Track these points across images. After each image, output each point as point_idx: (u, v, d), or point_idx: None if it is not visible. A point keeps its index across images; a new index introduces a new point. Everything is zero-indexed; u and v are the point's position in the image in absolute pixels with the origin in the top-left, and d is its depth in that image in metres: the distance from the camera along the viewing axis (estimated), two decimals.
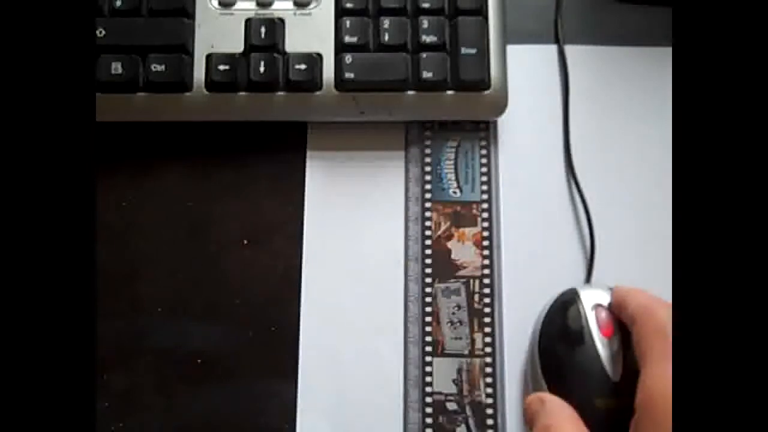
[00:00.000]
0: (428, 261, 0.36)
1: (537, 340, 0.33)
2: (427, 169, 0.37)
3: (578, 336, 0.32)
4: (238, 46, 0.36)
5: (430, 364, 0.35)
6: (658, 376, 0.27)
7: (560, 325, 0.33)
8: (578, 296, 0.33)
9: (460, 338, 0.35)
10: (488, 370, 0.35)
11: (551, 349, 0.33)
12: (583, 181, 0.37)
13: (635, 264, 0.36)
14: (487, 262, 0.36)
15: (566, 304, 0.33)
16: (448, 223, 0.36)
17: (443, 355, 0.35)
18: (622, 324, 0.32)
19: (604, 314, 0.32)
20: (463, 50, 0.36)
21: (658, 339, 0.28)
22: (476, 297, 0.35)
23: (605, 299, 0.33)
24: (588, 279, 0.36)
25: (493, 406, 0.34)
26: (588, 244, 0.36)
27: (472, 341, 0.35)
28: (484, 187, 0.37)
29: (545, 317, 0.34)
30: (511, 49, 0.37)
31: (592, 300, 0.33)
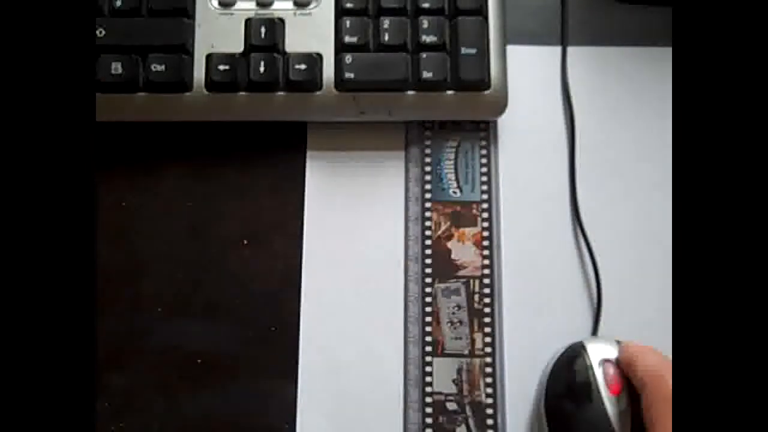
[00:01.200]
0: (428, 261, 0.36)
1: (543, 396, 0.33)
2: (427, 169, 0.37)
3: (585, 393, 0.31)
4: (238, 46, 0.36)
5: (430, 364, 0.35)
6: None
7: (567, 382, 0.32)
8: (585, 350, 0.32)
9: (460, 338, 0.35)
10: (488, 370, 0.35)
11: (558, 407, 0.32)
12: (583, 181, 0.37)
13: (635, 267, 0.36)
14: (487, 262, 0.36)
15: (572, 358, 0.33)
16: (448, 223, 0.36)
17: (443, 355, 0.35)
18: (629, 380, 0.31)
19: (611, 370, 0.32)
20: (463, 50, 0.36)
21: (668, 408, 0.28)
22: (476, 297, 0.35)
23: (613, 353, 0.32)
24: (595, 330, 0.35)
25: (493, 406, 0.34)
26: (585, 245, 0.36)
27: (472, 341, 0.35)
28: (484, 187, 0.37)
29: (551, 372, 0.33)
30: (511, 49, 0.37)
31: (599, 355, 0.32)
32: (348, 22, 0.36)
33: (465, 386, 0.34)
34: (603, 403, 0.31)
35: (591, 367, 0.32)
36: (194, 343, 0.35)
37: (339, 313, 0.35)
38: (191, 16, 0.36)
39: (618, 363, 0.32)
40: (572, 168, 0.37)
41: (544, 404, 0.33)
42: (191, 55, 0.36)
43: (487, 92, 0.36)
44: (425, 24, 0.36)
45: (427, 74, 0.35)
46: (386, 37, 0.36)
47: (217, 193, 0.37)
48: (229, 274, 0.36)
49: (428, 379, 0.35)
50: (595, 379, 0.32)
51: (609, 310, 0.35)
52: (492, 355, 0.35)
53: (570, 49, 0.39)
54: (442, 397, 0.34)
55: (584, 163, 0.37)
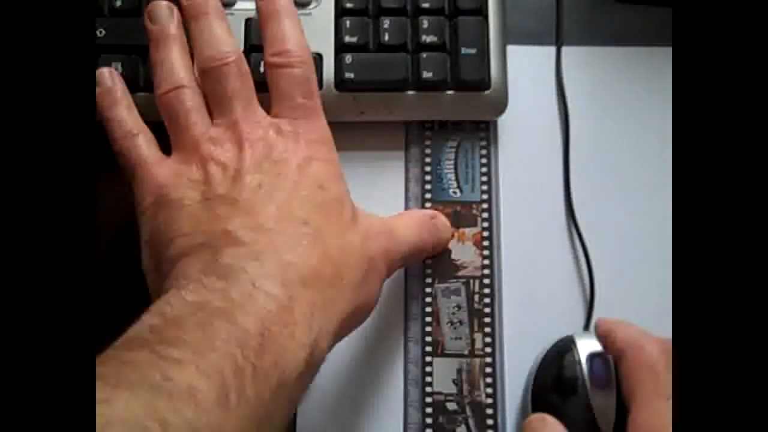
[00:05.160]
0: (428, 261, 0.36)
1: (530, 388, 0.33)
2: (427, 169, 0.37)
3: (572, 387, 0.32)
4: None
5: (430, 364, 0.35)
6: (648, 414, 0.27)
7: (554, 375, 0.33)
8: (574, 345, 0.33)
9: (460, 338, 0.35)
10: (488, 370, 0.35)
11: (544, 398, 0.33)
12: (582, 181, 0.37)
13: (633, 266, 0.36)
14: (487, 262, 0.36)
15: (562, 352, 0.33)
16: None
17: (443, 355, 0.35)
18: (616, 375, 0.31)
19: (599, 365, 0.32)
20: (463, 50, 0.36)
21: (648, 375, 0.28)
22: (476, 297, 0.35)
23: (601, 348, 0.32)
24: (586, 326, 0.35)
25: (493, 406, 0.34)
26: (582, 250, 0.36)
27: (472, 341, 0.35)
28: (484, 187, 0.37)
29: (540, 364, 0.33)
30: (511, 49, 0.37)
31: (588, 349, 0.32)
32: (348, 22, 0.36)
33: (465, 386, 0.34)
34: (588, 397, 0.31)
35: (579, 361, 0.32)
36: None
37: None
38: None
39: (605, 357, 0.32)
40: (567, 168, 0.37)
41: (531, 396, 0.33)
42: None
43: (487, 92, 0.36)
44: (425, 24, 0.36)
45: (427, 74, 0.35)
46: (386, 37, 0.36)
47: None
48: None
49: (428, 379, 0.35)
50: (582, 373, 0.32)
51: (607, 309, 0.35)
52: (492, 355, 0.35)
53: (569, 49, 0.39)
54: (442, 397, 0.34)
55: (582, 164, 0.37)
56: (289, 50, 0.30)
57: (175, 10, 0.32)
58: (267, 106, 0.31)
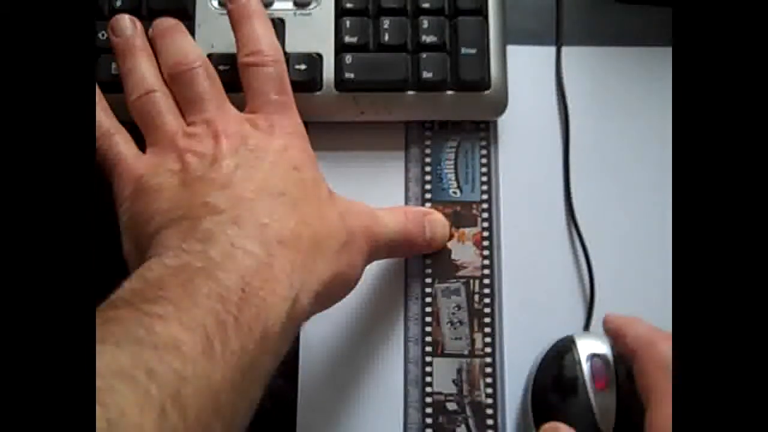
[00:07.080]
0: (428, 261, 0.36)
1: (530, 388, 0.33)
2: (427, 169, 0.37)
3: (572, 387, 0.32)
4: None
5: (430, 364, 0.35)
6: (665, 417, 0.27)
7: (554, 375, 0.33)
8: (574, 345, 0.33)
9: (460, 338, 0.35)
10: (488, 370, 0.35)
11: (544, 399, 0.33)
12: (582, 181, 0.37)
13: (633, 266, 0.36)
14: (487, 262, 0.36)
15: (561, 352, 0.33)
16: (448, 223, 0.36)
17: (443, 355, 0.35)
18: (616, 375, 0.31)
19: (599, 365, 0.32)
20: (463, 50, 0.36)
21: (662, 374, 0.28)
22: (476, 297, 0.35)
23: (601, 348, 0.32)
24: (586, 326, 0.35)
25: (493, 406, 0.34)
26: (583, 254, 0.36)
27: (472, 341, 0.35)
28: (484, 187, 0.37)
29: (540, 364, 0.33)
30: (511, 49, 0.37)
31: (588, 349, 0.32)
32: (348, 22, 0.36)
33: (465, 386, 0.34)
34: (589, 397, 0.31)
35: (579, 361, 0.32)
36: None
37: (339, 313, 0.35)
38: (191, 16, 0.36)
39: (605, 358, 0.32)
40: (567, 168, 0.37)
41: (530, 396, 0.33)
42: None
43: (487, 92, 0.36)
44: (425, 24, 0.36)
45: (427, 74, 0.35)
46: (386, 37, 0.36)
47: None
48: None
49: (428, 379, 0.35)
50: (582, 373, 0.32)
51: (607, 309, 0.35)
52: (492, 355, 0.35)
53: (569, 49, 0.39)
54: (442, 398, 0.34)
55: (582, 164, 0.37)
56: (262, 50, 0.31)
57: (138, 22, 0.33)
58: (240, 108, 0.31)
